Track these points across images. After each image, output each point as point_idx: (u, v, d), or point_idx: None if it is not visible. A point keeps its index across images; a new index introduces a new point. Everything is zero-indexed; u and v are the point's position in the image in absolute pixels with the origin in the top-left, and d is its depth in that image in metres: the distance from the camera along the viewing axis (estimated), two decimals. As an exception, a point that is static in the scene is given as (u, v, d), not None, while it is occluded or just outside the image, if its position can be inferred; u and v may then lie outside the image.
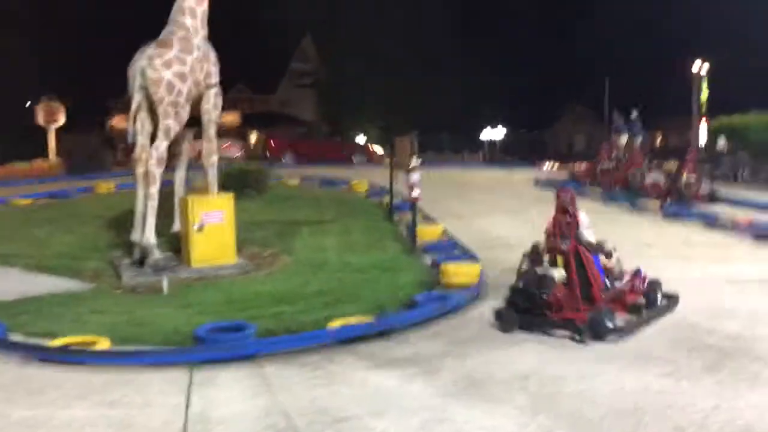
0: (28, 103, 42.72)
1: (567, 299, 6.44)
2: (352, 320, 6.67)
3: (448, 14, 57.55)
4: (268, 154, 28.45)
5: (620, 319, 6.51)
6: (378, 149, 32.55)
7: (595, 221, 12.59)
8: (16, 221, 13.79)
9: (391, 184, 13.47)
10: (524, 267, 6.97)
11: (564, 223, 6.92)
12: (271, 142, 31.56)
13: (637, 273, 7.25)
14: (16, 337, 6.27)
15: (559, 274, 6.61)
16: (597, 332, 6.10)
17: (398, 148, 13.07)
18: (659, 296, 7.09)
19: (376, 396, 5.02)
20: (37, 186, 20.93)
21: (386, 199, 14.60)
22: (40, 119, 40.26)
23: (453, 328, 6.69)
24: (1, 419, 4.52)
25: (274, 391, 5.08)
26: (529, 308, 6.45)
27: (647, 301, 6.95)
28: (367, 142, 47.45)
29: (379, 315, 6.97)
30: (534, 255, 7.05)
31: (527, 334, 6.44)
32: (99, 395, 4.96)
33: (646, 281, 7.19)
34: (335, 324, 6.53)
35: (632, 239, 11.21)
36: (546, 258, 6.91)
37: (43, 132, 40.82)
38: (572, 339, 6.16)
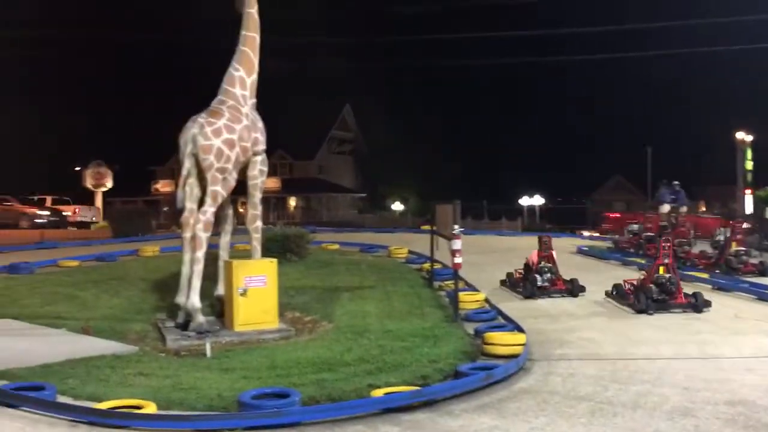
0: (78, 167, 44.24)
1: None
2: (396, 389, 6.59)
3: (488, 86, 58.79)
4: None
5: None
6: None
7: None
8: (64, 283, 14.08)
9: (431, 250, 13.49)
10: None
11: (544, 256, 13.01)
12: None
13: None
14: (65, 400, 6.34)
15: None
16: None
17: (439, 216, 13.15)
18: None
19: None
20: (85, 248, 21.42)
21: (427, 265, 14.59)
22: (89, 183, 41.60)
23: (500, 400, 6.56)
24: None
25: (318, 460, 5.02)
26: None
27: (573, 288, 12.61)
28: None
29: (422, 384, 6.89)
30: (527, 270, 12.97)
31: (577, 402, 6.30)
32: (145, 460, 4.96)
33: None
34: (378, 393, 6.46)
35: (679, 312, 10.96)
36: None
37: (91, 195, 42.04)
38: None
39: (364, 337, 9.34)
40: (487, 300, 11.60)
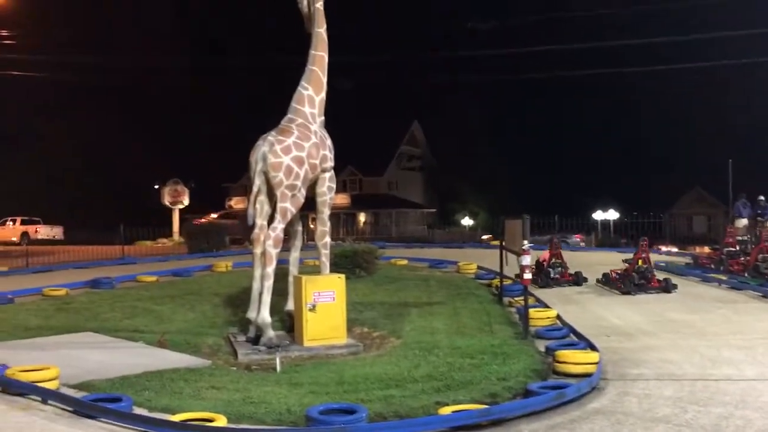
0: (157, 185, 45.93)
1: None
2: (464, 407, 6.50)
3: (557, 99, 57.93)
4: None
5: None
6: None
7: (721, 310, 11.96)
8: (143, 297, 14.57)
9: (501, 266, 13.30)
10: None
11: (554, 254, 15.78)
12: None
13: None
14: (141, 411, 6.53)
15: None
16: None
17: (508, 231, 12.98)
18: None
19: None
20: (162, 264, 22.14)
21: (496, 281, 14.41)
22: (166, 200, 43.12)
23: (572, 421, 6.38)
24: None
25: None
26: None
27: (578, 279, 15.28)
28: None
29: (491, 403, 6.78)
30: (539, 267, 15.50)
31: (654, 424, 6.06)
32: (215, 473, 5.05)
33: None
34: (446, 410, 6.39)
35: (763, 331, 10.44)
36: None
37: (168, 212, 43.48)
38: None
39: (433, 354, 9.27)
40: (558, 317, 11.34)
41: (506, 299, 13.14)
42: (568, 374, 7.88)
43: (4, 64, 34.51)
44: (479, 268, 17.65)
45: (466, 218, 57.27)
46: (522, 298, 11.04)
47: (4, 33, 33.00)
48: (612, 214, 49.03)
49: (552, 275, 15.35)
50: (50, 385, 7.25)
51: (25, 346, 10.07)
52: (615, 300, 13.67)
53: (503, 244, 13.34)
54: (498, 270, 13.85)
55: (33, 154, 55.22)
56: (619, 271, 14.81)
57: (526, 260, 10.56)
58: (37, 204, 49.81)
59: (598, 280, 15.29)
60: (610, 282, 14.85)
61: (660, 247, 26.33)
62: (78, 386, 7.60)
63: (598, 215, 49.12)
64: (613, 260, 17.05)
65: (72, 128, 55.09)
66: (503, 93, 60.15)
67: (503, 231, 13.54)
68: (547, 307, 12.03)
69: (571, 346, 9.07)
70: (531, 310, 10.91)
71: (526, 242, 10.66)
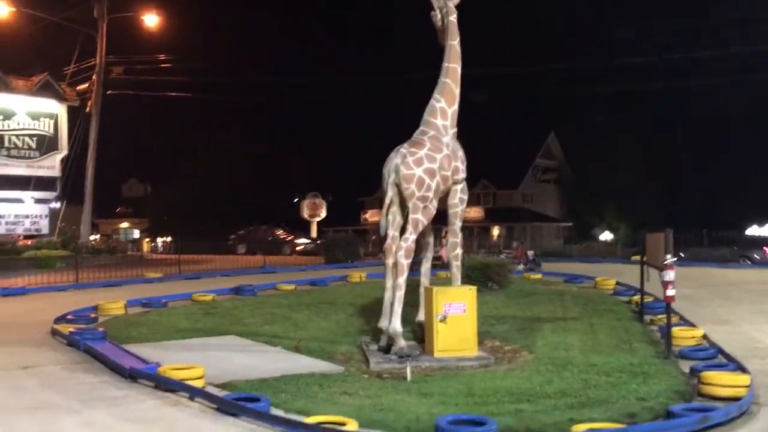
0: (296, 199, 47.94)
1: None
2: (600, 425, 6.25)
3: (701, 106, 54.48)
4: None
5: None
6: None
7: None
8: (281, 305, 15.23)
9: (642, 282, 12.68)
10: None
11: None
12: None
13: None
14: (277, 412, 6.82)
15: None
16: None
17: (650, 245, 12.36)
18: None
19: None
20: (300, 273, 23.03)
21: (636, 297, 13.75)
22: (305, 213, 44.86)
23: (717, 446, 5.97)
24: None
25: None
26: None
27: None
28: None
29: (629, 423, 6.47)
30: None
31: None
32: (346, 475, 5.17)
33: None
34: (581, 427, 6.17)
35: None
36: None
37: (306, 225, 45.17)
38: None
39: (567, 370, 8.98)
40: (705, 336, 10.64)
41: (647, 317, 12.51)
42: (715, 397, 7.37)
43: (159, 85, 37.42)
44: (618, 284, 16.94)
45: (605, 233, 55.05)
46: (665, 316, 10.46)
47: (156, 57, 35.83)
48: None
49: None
50: (197, 384, 7.73)
51: (175, 346, 10.81)
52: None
53: (644, 259, 12.73)
54: (638, 286, 13.22)
55: (188, 170, 59.26)
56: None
57: (670, 276, 9.99)
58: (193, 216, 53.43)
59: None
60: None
61: None
62: (221, 386, 8.06)
63: (754, 230, 45.63)
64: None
65: (220, 143, 58.61)
66: (647, 102, 57.34)
67: (645, 246, 12.92)
68: (693, 325, 11.33)
69: (719, 367, 8.47)
70: (675, 329, 10.31)
71: (669, 257, 10.10)
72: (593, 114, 53.82)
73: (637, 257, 14.68)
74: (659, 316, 11.83)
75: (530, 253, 24.95)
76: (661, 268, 10.33)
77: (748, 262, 25.61)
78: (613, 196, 52.76)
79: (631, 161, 52.77)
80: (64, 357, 10.00)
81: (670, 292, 9.97)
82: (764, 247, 27.90)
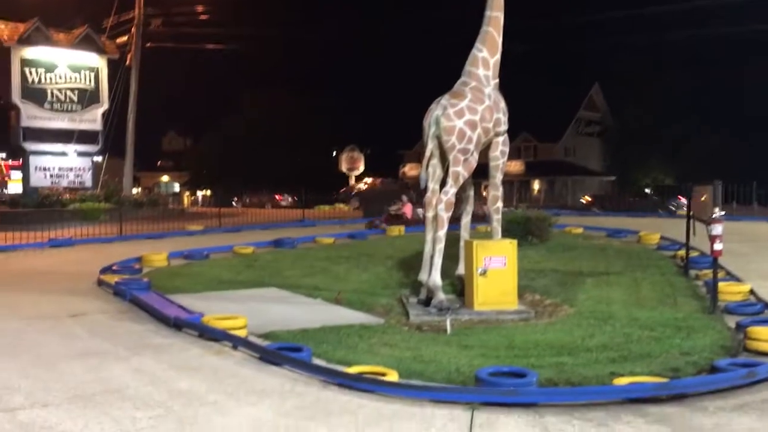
0: (334, 152, 48.00)
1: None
2: (642, 378, 6.18)
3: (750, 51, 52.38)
4: None
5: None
6: None
7: None
8: (320, 257, 15.35)
9: (687, 236, 12.41)
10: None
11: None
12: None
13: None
14: (318, 362, 6.91)
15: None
16: None
17: (697, 199, 12.05)
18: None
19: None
20: (339, 227, 23.16)
21: (681, 252, 13.49)
22: (343, 167, 44.88)
23: (764, 401, 5.84)
24: (304, 435, 4.97)
25: (556, 443, 4.89)
26: None
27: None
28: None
29: (672, 377, 6.38)
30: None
31: None
32: (387, 424, 5.21)
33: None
34: (622, 381, 6.11)
35: None
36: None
37: (344, 178, 45.22)
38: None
39: (608, 324, 8.89)
40: (752, 291, 10.41)
41: (692, 272, 12.27)
42: (761, 352, 7.22)
43: (197, 38, 37.35)
44: (662, 238, 16.63)
45: (650, 186, 53.99)
46: (711, 270, 10.25)
47: (200, 9, 35.69)
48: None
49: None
50: (239, 333, 7.86)
51: (217, 297, 11.00)
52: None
53: (691, 213, 12.43)
54: (683, 241, 12.95)
55: (229, 125, 59.60)
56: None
57: (717, 230, 9.74)
58: (229, 170, 53.90)
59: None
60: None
61: None
62: (263, 336, 8.18)
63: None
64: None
65: (258, 96, 58.69)
66: (696, 51, 55.33)
67: (691, 199, 12.60)
68: (740, 280, 11.08)
69: (766, 322, 8.28)
70: (721, 284, 10.11)
71: (717, 210, 9.84)
72: (640, 64, 52.24)
73: (683, 211, 14.35)
74: (705, 271, 11.60)
75: (420, 211, 21.65)
76: (709, 222, 10.07)
77: None
78: (660, 149, 51.56)
79: (678, 112, 51.31)
80: (110, 306, 10.26)
81: (718, 246, 9.73)
82: None
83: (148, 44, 35.89)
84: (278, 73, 62.59)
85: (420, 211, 21.06)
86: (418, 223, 19.69)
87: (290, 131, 56.95)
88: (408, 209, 22.91)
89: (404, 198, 23.37)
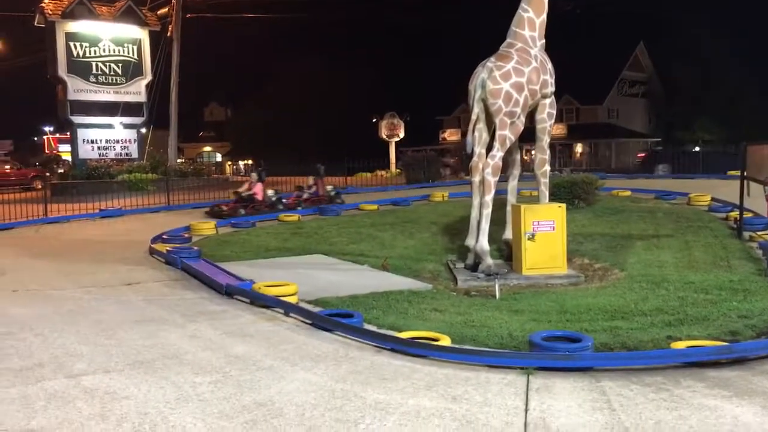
0: (374, 119, 47.77)
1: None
2: (701, 342, 6.07)
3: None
4: None
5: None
6: None
7: None
8: (365, 224, 15.38)
9: (741, 197, 12.07)
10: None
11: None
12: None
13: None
14: (370, 327, 6.95)
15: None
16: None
17: (751, 158, 11.69)
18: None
19: (735, 428, 4.48)
20: (382, 193, 23.12)
21: (734, 213, 13.15)
22: (383, 134, 44.67)
23: (829, 365, 5.69)
24: (359, 400, 5.00)
25: (615, 408, 4.83)
26: None
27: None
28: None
29: (731, 340, 6.25)
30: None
31: None
32: (442, 389, 5.23)
33: None
34: (680, 345, 6.01)
35: None
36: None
37: (385, 145, 45.10)
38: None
39: (661, 288, 8.75)
40: (811, 253, 10.10)
41: (746, 234, 11.96)
42: (825, 316, 7.04)
43: (237, 7, 37.37)
44: (713, 200, 16.23)
45: (697, 148, 52.64)
46: (766, 232, 9.97)
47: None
48: None
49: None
50: (290, 300, 7.95)
51: (266, 265, 11.13)
52: None
53: (745, 173, 12.07)
54: (735, 202, 12.61)
55: (268, 94, 59.78)
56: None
57: (774, 190, 9.46)
58: (271, 139, 54.16)
59: None
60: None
61: None
62: (313, 302, 8.26)
63: None
64: None
65: (297, 65, 58.62)
66: (744, 6, 53.27)
67: (744, 159, 12.22)
68: (798, 242, 10.76)
69: (828, 285, 8.06)
70: (778, 246, 9.85)
71: (774, 170, 9.54)
72: (686, 22, 50.56)
73: (735, 172, 13.94)
74: (760, 233, 11.31)
75: (330, 188, 21.36)
76: (765, 182, 9.78)
77: None
78: (707, 110, 50.07)
79: (727, 71, 49.66)
80: (163, 274, 10.47)
81: (775, 207, 9.46)
82: None
83: (188, 15, 35.98)
84: (315, 39, 62.32)
85: (270, 192, 19.41)
86: (272, 208, 18.66)
87: (328, 99, 56.90)
88: (258, 189, 19.44)
89: (253, 176, 20.13)
